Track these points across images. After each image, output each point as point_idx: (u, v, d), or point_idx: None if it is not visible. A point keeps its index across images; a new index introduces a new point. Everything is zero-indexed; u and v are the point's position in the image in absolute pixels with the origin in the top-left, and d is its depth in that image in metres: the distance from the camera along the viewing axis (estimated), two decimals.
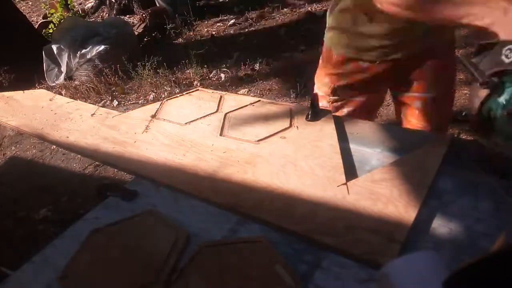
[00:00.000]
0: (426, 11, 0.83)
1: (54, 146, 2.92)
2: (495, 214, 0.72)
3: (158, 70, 3.42)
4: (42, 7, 6.32)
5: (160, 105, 1.27)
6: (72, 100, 1.48)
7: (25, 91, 1.60)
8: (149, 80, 3.41)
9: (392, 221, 0.72)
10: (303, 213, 0.78)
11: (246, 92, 3.14)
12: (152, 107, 1.26)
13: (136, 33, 4.32)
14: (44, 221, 2.26)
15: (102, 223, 0.85)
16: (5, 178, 2.82)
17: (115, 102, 3.36)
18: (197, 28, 4.60)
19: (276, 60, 3.51)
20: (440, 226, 0.72)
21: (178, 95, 1.33)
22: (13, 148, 3.15)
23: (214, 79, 3.46)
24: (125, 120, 1.24)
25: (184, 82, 3.39)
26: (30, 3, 7.30)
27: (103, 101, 3.37)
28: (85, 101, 2.55)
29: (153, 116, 1.21)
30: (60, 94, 3.51)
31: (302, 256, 0.71)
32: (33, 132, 1.29)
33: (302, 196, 0.82)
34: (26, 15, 5.03)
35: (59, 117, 1.34)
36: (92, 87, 3.47)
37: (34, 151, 3.04)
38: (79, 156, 2.74)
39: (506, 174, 0.77)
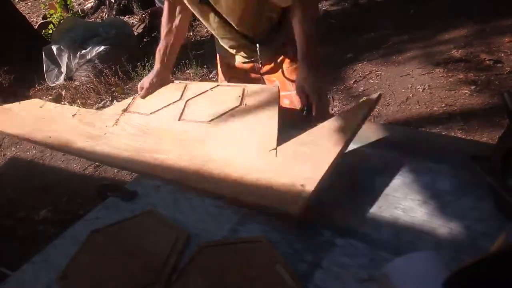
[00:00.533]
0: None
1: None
2: (495, 214, 0.72)
3: None
4: (42, 8, 6.32)
5: (132, 99, 1.36)
6: (59, 105, 1.58)
7: (21, 102, 1.70)
8: None
9: (307, 175, 0.80)
10: (236, 178, 0.87)
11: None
12: (125, 102, 1.35)
13: (136, 33, 4.32)
14: (44, 221, 2.26)
15: (102, 224, 0.85)
16: (5, 179, 2.82)
17: (115, 103, 3.36)
18: (197, 28, 4.60)
19: None
20: (440, 226, 0.72)
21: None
22: (13, 148, 3.15)
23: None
24: (100, 116, 1.34)
25: None
26: (30, 3, 7.30)
27: (103, 102, 3.37)
28: (85, 102, 2.55)
29: (124, 110, 1.31)
30: (60, 94, 3.52)
31: (302, 256, 0.71)
32: (24, 137, 1.38)
33: (237, 163, 0.92)
34: (26, 16, 5.03)
35: (46, 121, 1.43)
36: (92, 88, 3.47)
37: (34, 151, 3.03)
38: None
39: (506, 174, 0.77)
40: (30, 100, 1.72)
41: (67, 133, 1.29)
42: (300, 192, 0.78)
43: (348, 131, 0.88)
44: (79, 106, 2.97)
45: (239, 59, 1.34)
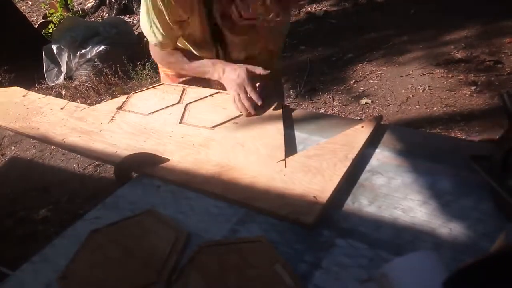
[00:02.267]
0: (177, 70, 1.35)
1: (54, 146, 2.92)
2: (495, 214, 0.72)
3: (158, 70, 3.41)
4: (42, 7, 6.33)
5: (127, 98, 1.35)
6: (44, 96, 1.55)
7: (1, 89, 1.70)
8: (149, 80, 3.41)
9: (318, 188, 0.83)
10: (245, 185, 0.89)
11: None
12: (119, 100, 1.34)
13: (136, 33, 4.32)
14: (44, 221, 2.26)
15: (102, 223, 0.85)
16: (5, 178, 2.82)
17: None
18: None
19: None
20: (440, 226, 0.72)
21: (144, 89, 1.41)
22: (12, 148, 3.15)
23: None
24: (93, 112, 1.32)
25: None
26: (30, 3, 7.30)
27: (103, 101, 3.36)
28: (85, 101, 2.55)
29: (119, 108, 1.30)
30: (60, 94, 3.52)
31: (302, 256, 0.71)
32: (6, 126, 1.37)
33: (246, 170, 0.93)
34: (26, 15, 5.03)
35: (31, 111, 1.42)
36: (92, 87, 3.47)
37: (33, 151, 3.03)
38: (79, 156, 2.74)
39: (506, 174, 0.77)
40: (11, 87, 1.70)
41: (58, 126, 1.28)
42: (314, 204, 0.79)
43: (354, 149, 0.91)
44: None
45: None
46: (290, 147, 0.98)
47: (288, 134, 1.03)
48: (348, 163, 0.87)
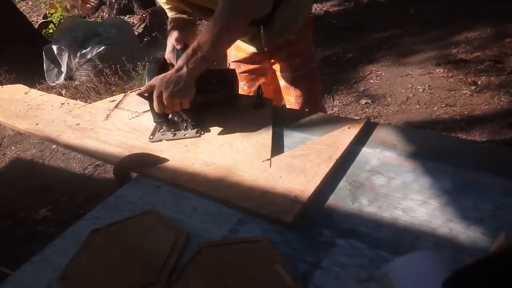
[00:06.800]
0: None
1: (54, 146, 2.92)
2: (495, 214, 0.72)
3: None
4: (42, 7, 6.33)
5: (124, 96, 1.38)
6: (45, 93, 1.58)
7: (4, 86, 1.73)
8: None
9: (300, 187, 0.84)
10: (229, 183, 0.90)
11: None
12: (116, 98, 1.37)
13: (136, 33, 4.33)
14: (44, 221, 2.26)
15: (102, 223, 0.85)
16: (5, 178, 2.82)
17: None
18: (197, 28, 4.60)
19: None
20: (440, 226, 0.72)
21: (141, 88, 1.41)
22: (13, 148, 3.15)
23: None
24: (90, 110, 1.35)
25: None
26: (30, 3, 7.30)
27: None
28: (85, 101, 2.55)
29: (116, 106, 1.32)
30: (61, 94, 3.52)
31: (302, 256, 0.71)
32: (7, 121, 1.39)
33: (232, 169, 0.94)
34: (26, 15, 5.03)
35: (31, 107, 1.45)
36: (92, 87, 3.47)
37: (34, 151, 3.03)
38: (79, 156, 2.74)
39: (506, 174, 0.77)
40: (14, 85, 1.73)
41: (55, 123, 1.30)
42: (294, 203, 0.80)
43: (338, 150, 0.92)
44: None
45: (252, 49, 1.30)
46: (278, 147, 0.99)
47: (277, 133, 1.04)
48: (331, 164, 0.88)
